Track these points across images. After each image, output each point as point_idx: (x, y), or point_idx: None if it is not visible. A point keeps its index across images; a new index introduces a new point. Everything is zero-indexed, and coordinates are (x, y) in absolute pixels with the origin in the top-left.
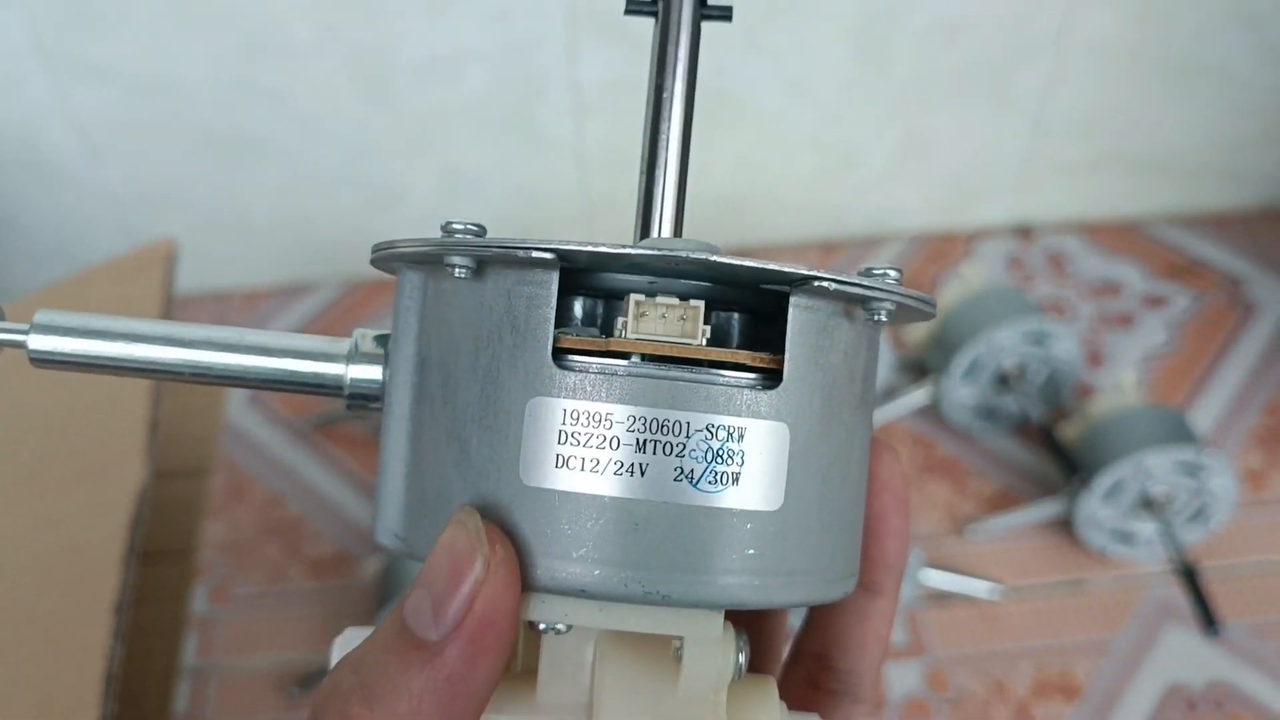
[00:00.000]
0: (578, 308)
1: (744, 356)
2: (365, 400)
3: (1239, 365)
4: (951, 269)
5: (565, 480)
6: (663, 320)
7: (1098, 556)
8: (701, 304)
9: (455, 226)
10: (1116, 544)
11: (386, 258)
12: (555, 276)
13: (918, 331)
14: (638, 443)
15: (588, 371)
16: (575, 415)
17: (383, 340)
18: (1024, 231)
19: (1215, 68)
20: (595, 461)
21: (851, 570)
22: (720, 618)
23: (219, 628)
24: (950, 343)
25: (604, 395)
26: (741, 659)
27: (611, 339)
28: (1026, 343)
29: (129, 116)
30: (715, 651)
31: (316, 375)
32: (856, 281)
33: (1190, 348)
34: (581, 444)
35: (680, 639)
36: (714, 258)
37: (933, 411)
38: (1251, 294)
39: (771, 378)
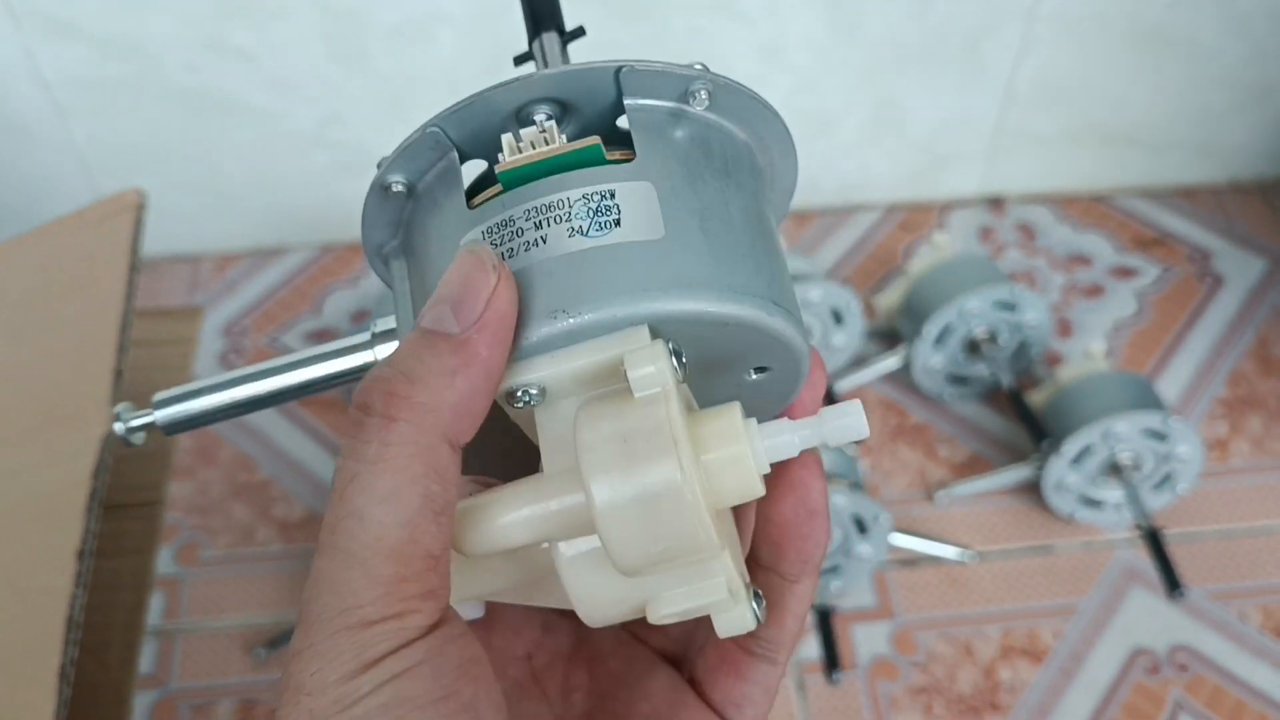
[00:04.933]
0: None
1: (593, 140)
2: None
3: (1206, 336)
4: (924, 238)
5: None
6: (527, 144)
7: (1065, 521)
8: (553, 121)
9: (382, 158)
10: (1084, 509)
11: (370, 241)
12: (453, 152)
13: (889, 299)
14: (535, 224)
15: (490, 203)
16: (490, 229)
17: (387, 315)
18: (995, 202)
19: (1185, 39)
20: (511, 250)
21: (750, 293)
22: (645, 329)
23: (186, 589)
24: (921, 309)
25: (503, 209)
26: (675, 362)
27: (495, 170)
28: (997, 310)
29: (96, 75)
30: (648, 356)
31: (357, 367)
32: (636, 63)
33: (1158, 319)
34: (500, 245)
35: (622, 360)
36: (550, 71)
37: (904, 378)
38: (1219, 266)
39: (627, 157)
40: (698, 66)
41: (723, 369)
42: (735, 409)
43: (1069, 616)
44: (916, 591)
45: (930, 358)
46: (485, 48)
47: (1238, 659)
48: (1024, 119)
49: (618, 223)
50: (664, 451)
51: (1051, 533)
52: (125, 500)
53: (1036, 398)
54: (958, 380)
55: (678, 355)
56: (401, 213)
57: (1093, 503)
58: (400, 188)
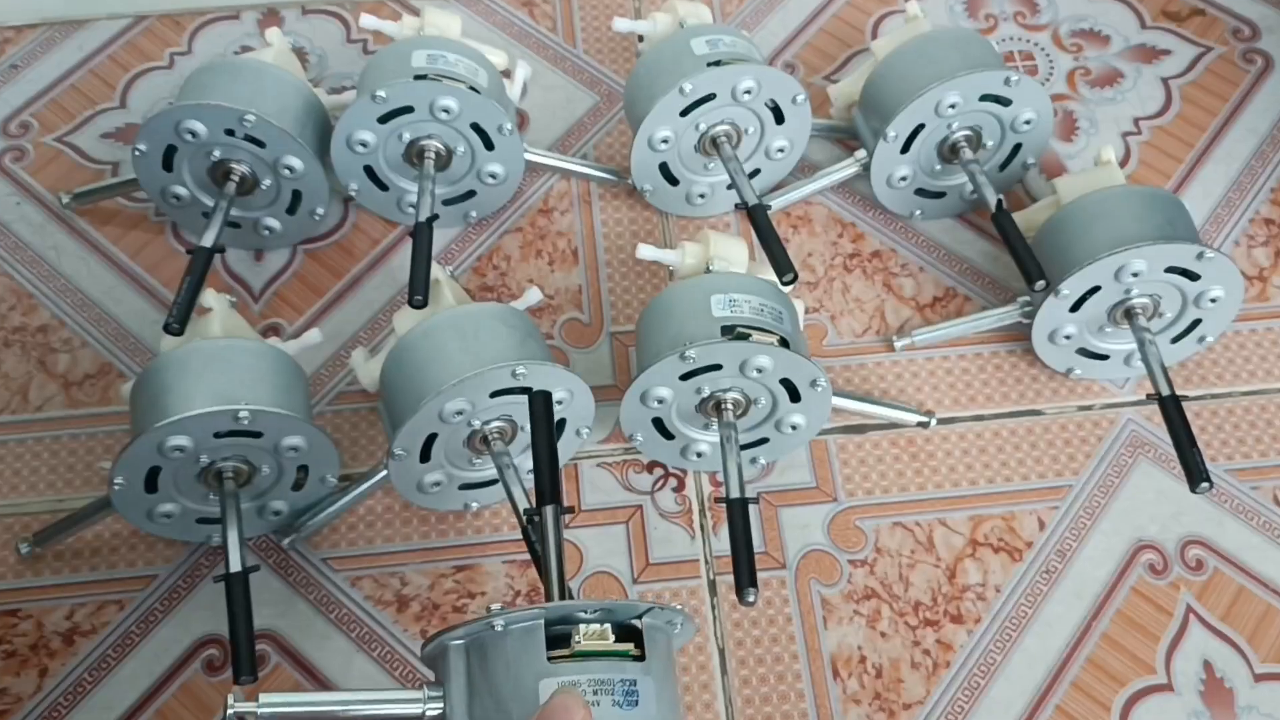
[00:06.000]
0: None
1: (627, 645)
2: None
3: (1249, 135)
4: (896, 10)
5: None
6: (592, 636)
7: (1060, 379)
8: (607, 625)
9: (495, 609)
10: (1083, 363)
11: (440, 651)
12: (542, 624)
13: (848, 89)
14: (594, 690)
15: (564, 662)
16: (565, 684)
17: (435, 686)
18: None
19: None
20: None
21: None
22: None
23: None
24: (888, 103)
25: (574, 674)
26: None
27: (573, 646)
28: (984, 103)
29: None
30: None
31: (410, 715)
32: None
33: (1190, 112)
34: None
35: None
36: (608, 603)
37: (862, 189)
38: (1268, 45)
39: (641, 655)
40: (678, 606)
41: None
42: None
43: (1058, 499)
44: (865, 467)
45: (896, 165)
46: None
47: (1266, 555)
48: None
49: (637, 702)
50: None
51: (1040, 393)
52: None
53: (1031, 219)
54: (930, 194)
55: None
56: (486, 637)
57: (1095, 355)
58: (500, 628)
